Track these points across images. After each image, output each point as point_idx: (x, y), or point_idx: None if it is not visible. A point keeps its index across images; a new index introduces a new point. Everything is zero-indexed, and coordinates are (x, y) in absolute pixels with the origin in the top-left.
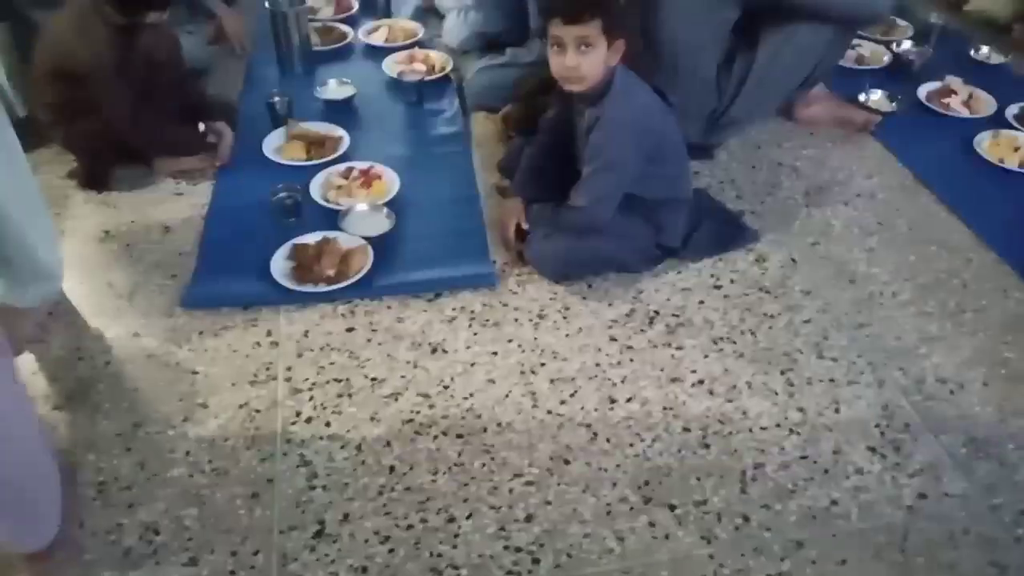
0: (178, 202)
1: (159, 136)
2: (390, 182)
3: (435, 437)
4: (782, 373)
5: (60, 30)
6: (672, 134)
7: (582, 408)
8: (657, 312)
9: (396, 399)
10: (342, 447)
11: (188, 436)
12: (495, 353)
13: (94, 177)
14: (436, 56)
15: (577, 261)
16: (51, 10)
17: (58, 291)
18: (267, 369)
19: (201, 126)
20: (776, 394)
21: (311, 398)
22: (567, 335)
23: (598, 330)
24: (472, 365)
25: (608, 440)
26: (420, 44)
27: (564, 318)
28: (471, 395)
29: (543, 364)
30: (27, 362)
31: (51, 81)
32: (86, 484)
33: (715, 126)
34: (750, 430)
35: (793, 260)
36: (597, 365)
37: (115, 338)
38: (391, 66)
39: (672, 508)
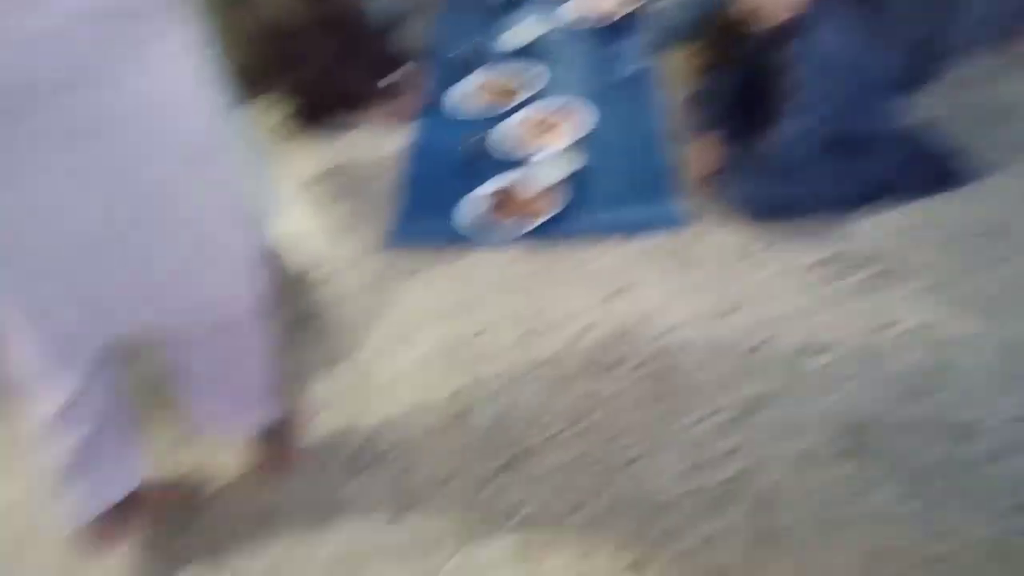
0: (378, 146)
1: (353, 88)
2: (580, 122)
3: (627, 371)
4: (1001, 324)
5: None
6: (877, 66)
7: (779, 353)
8: (864, 256)
9: (587, 335)
10: (530, 380)
11: (396, 363)
12: (687, 293)
13: (303, 123)
14: None
15: (777, 201)
16: None
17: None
18: (464, 304)
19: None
20: (994, 348)
21: (502, 333)
22: (764, 278)
23: (798, 273)
24: (664, 305)
25: (805, 387)
26: None
27: (761, 260)
28: (662, 334)
29: (738, 307)
30: None
31: (259, 35)
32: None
33: (929, 55)
34: (962, 385)
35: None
36: (795, 310)
37: (331, 271)
38: (579, 6)
39: (875, 459)
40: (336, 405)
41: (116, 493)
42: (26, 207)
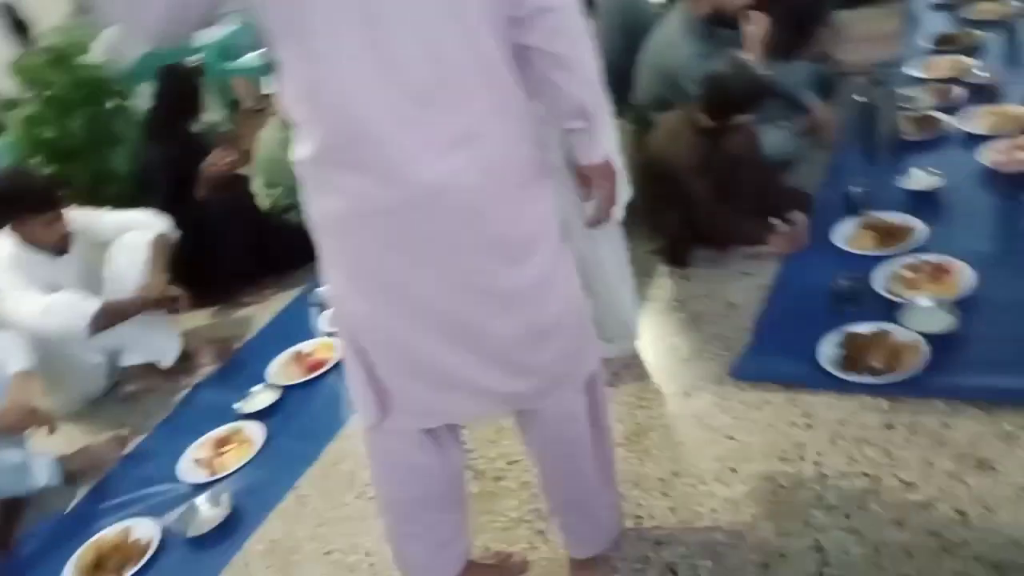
0: (745, 280)
1: (731, 226)
2: (963, 279)
3: (965, 559)
4: None
5: (661, 131)
6: None
7: None
8: None
9: (927, 509)
10: (859, 543)
11: (716, 495)
12: None
13: (675, 255)
14: None
15: None
16: (665, 111)
17: (633, 347)
18: (798, 449)
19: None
20: None
21: (836, 487)
22: None
23: None
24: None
25: None
26: None
27: None
28: (1019, 526)
29: None
30: None
31: (647, 173)
32: (627, 516)
33: None
34: None
35: None
36: None
37: (670, 394)
38: (990, 155)
39: None
40: (648, 523)
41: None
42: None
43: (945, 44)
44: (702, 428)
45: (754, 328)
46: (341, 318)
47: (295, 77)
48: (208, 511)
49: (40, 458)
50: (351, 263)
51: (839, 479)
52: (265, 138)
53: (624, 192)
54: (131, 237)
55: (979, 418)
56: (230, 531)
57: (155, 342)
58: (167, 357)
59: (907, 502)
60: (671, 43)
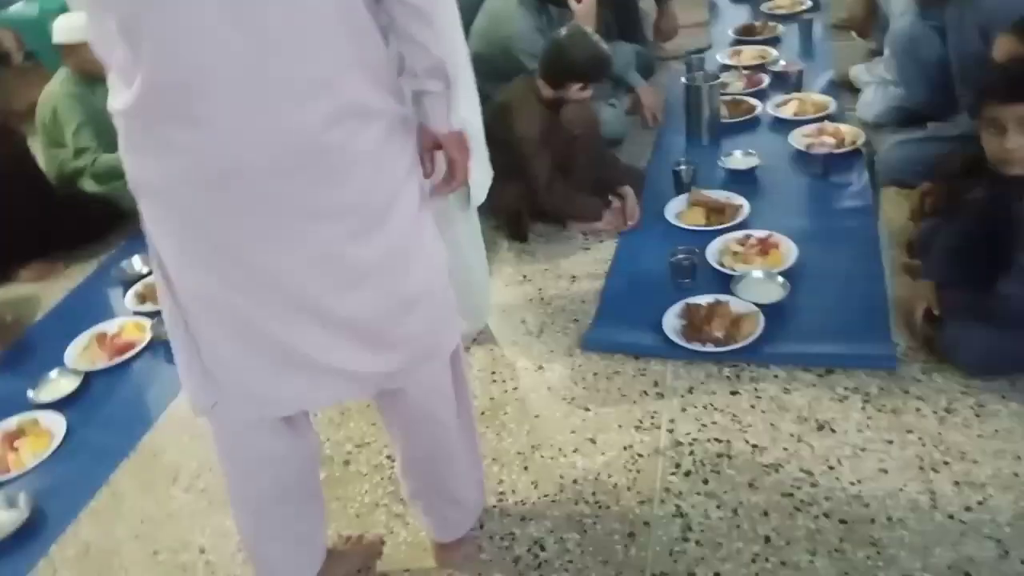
0: (585, 255)
1: (569, 203)
2: (787, 252)
3: (816, 517)
4: None
5: (503, 101)
6: None
7: (992, 519)
8: None
9: (777, 470)
10: (718, 507)
11: (576, 466)
12: (890, 442)
13: (516, 230)
14: (846, 130)
15: (1000, 355)
16: (500, 83)
17: (485, 324)
18: (652, 417)
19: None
20: None
21: (691, 452)
22: (979, 435)
23: (1020, 434)
24: (863, 450)
25: (1022, 562)
26: (830, 118)
27: (977, 416)
28: (859, 481)
29: (947, 463)
30: None
31: (488, 145)
32: (490, 492)
33: None
34: None
35: None
36: (1015, 475)
37: (523, 368)
38: (799, 139)
39: None
40: (511, 499)
41: None
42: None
43: (747, 34)
44: (557, 400)
45: (599, 301)
46: (168, 292)
47: (112, 9)
48: (2, 514)
49: None
50: (182, 230)
51: (693, 445)
52: (49, 93)
53: (487, 173)
54: None
55: (815, 383)
56: (31, 536)
57: None
58: None
59: (758, 464)
60: (506, 16)
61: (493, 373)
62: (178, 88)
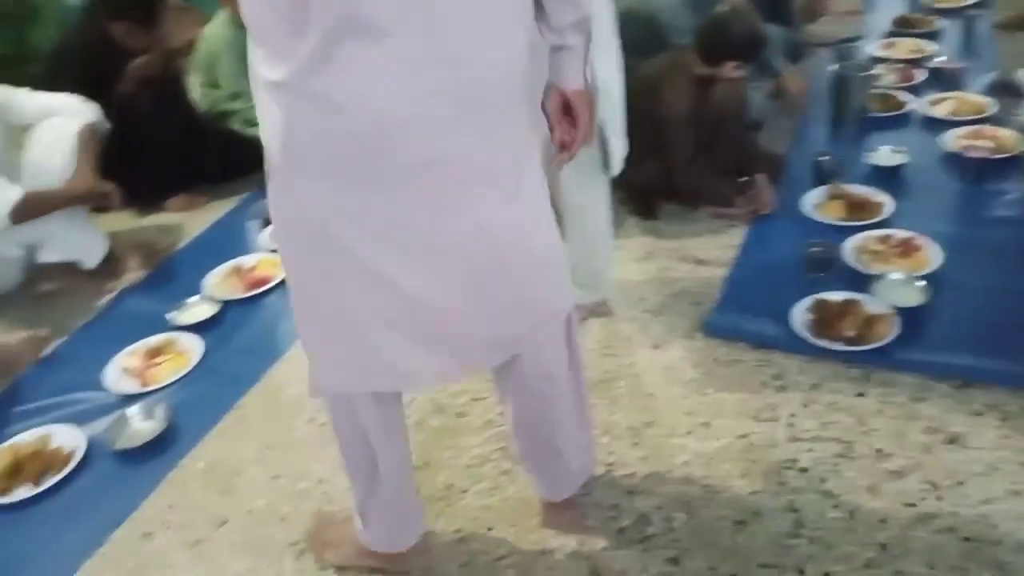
0: (713, 239)
1: (705, 185)
2: (931, 255)
3: (938, 531)
4: None
5: (650, 75)
6: None
7: None
8: None
9: (900, 478)
10: (834, 507)
11: (688, 448)
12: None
13: (646, 207)
14: (1006, 135)
15: None
16: (638, 56)
17: (604, 296)
18: (771, 409)
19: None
20: None
21: (810, 450)
22: None
23: None
24: (995, 469)
25: None
26: (990, 120)
27: None
28: (988, 500)
29: None
30: None
31: (630, 120)
32: (599, 462)
33: None
34: None
35: None
36: None
37: (639, 345)
38: (953, 140)
39: None
40: (619, 472)
41: None
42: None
43: (904, 26)
44: (673, 381)
45: (724, 286)
46: (305, 265)
47: None
48: (140, 423)
49: None
50: (333, 193)
51: (813, 443)
52: (208, 35)
53: (625, 143)
54: (56, 123)
55: (950, 395)
56: (165, 447)
57: (79, 240)
58: (91, 257)
59: (881, 470)
60: None
61: (609, 347)
62: (361, 23)
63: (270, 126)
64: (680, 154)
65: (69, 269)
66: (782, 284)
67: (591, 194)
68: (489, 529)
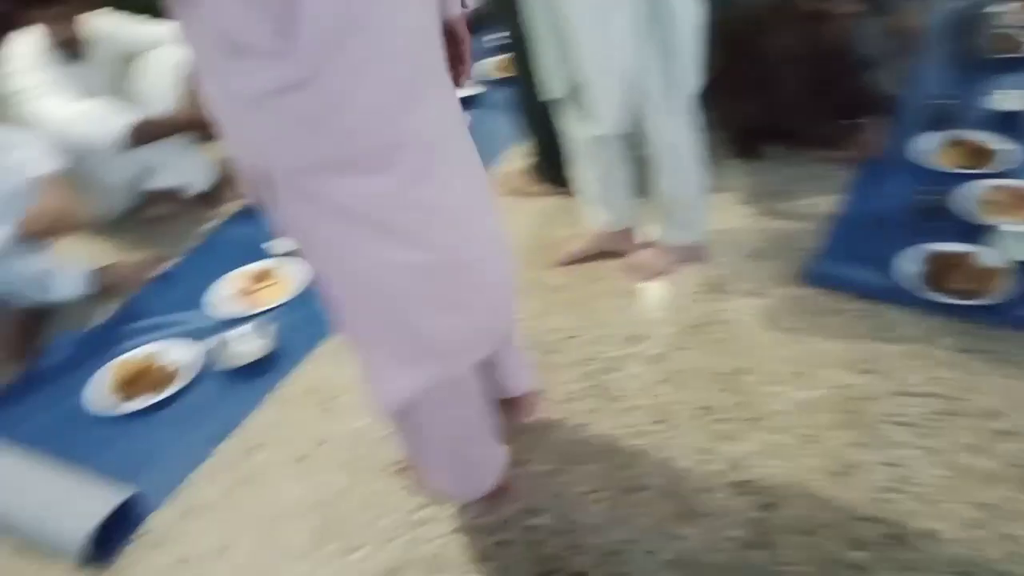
0: (818, 183)
1: (811, 125)
2: None
3: None
4: None
5: (755, 9)
6: None
7: None
8: None
9: (1008, 438)
10: (938, 464)
11: (785, 397)
12: None
13: (748, 147)
14: None
15: None
16: None
17: (699, 237)
18: (873, 362)
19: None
20: None
21: (913, 405)
22: None
23: None
24: None
25: None
26: None
27: None
28: None
29: None
30: (658, 288)
31: (733, 53)
32: (690, 406)
33: None
34: None
35: None
36: None
37: (737, 291)
38: None
39: None
40: (710, 417)
41: None
42: None
43: None
44: (770, 329)
45: (828, 233)
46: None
47: None
48: (246, 344)
49: (67, 268)
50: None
51: (916, 398)
52: None
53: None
54: (166, 53)
55: None
56: (268, 367)
57: (187, 166)
58: (198, 183)
59: (989, 430)
60: None
61: (706, 293)
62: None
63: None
64: (786, 94)
65: (176, 195)
66: (890, 233)
67: (679, 128)
68: (579, 463)
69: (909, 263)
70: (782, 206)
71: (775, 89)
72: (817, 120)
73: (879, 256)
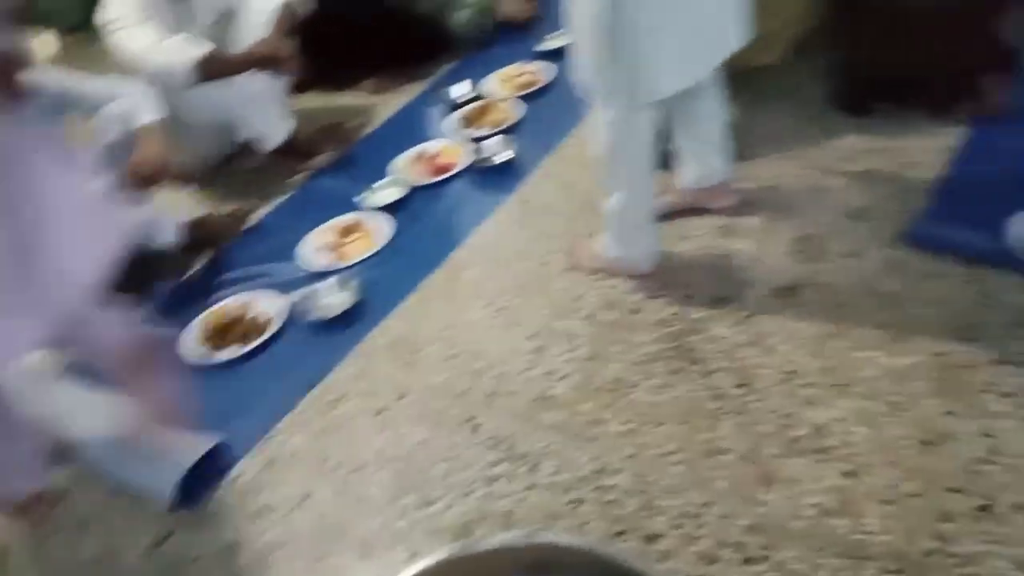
0: (927, 140)
1: (928, 80)
2: None
3: None
4: None
5: None
6: None
7: None
8: None
9: None
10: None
11: (876, 362)
12: None
13: (857, 101)
14: None
15: None
16: None
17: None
18: (974, 329)
19: None
20: None
21: (1015, 375)
22: None
23: None
24: None
25: None
26: None
27: None
28: None
29: None
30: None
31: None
32: (775, 370)
33: None
34: None
35: None
36: None
37: (833, 251)
38: None
39: None
40: (797, 381)
41: None
42: None
43: None
44: (866, 292)
45: (934, 194)
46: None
47: None
48: (333, 296)
49: (166, 217)
50: None
51: (1019, 367)
52: None
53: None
54: (260, 3)
55: None
56: (354, 320)
57: (267, 117)
58: (278, 134)
59: None
60: None
61: (800, 251)
62: None
63: None
64: (922, 43)
65: (257, 148)
66: (1001, 195)
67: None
68: (658, 424)
69: (1020, 227)
70: (888, 164)
71: (892, 38)
72: (935, 72)
73: (987, 219)
